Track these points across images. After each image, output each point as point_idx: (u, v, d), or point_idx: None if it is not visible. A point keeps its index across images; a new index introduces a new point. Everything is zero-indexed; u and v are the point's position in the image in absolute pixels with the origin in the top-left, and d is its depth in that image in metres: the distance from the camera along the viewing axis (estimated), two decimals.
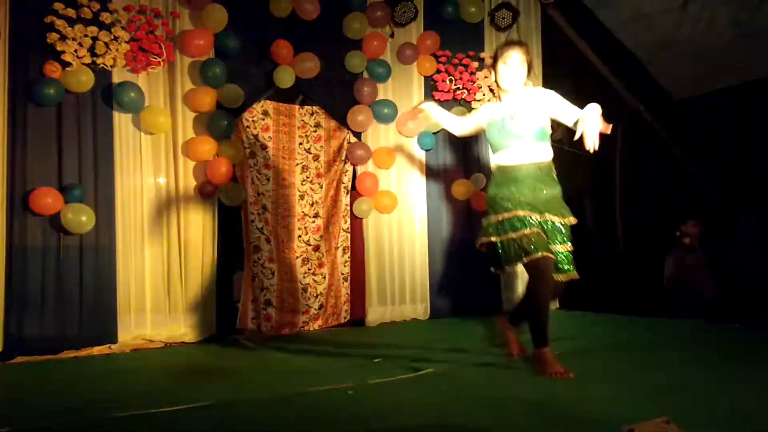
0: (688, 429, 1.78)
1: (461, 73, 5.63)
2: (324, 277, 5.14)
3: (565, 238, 3.24)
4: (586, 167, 7.30)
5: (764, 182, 5.89)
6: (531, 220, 3.16)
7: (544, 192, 3.26)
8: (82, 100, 4.30)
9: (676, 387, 2.80)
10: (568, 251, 3.25)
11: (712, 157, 6.52)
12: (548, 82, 6.28)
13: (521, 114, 3.26)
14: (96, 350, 4.23)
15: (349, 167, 5.35)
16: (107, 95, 4.38)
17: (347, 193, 5.34)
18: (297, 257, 5.06)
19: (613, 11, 5.85)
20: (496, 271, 3.39)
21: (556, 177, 3.38)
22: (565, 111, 3.21)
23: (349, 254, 5.31)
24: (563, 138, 7.25)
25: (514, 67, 3.26)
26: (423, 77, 5.60)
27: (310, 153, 5.21)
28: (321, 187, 5.23)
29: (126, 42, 4.34)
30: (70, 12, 4.14)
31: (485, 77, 5.70)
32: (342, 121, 5.26)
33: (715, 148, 6.39)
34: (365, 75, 5.31)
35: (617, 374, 3.13)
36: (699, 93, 6.21)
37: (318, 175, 5.23)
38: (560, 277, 3.24)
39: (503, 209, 3.22)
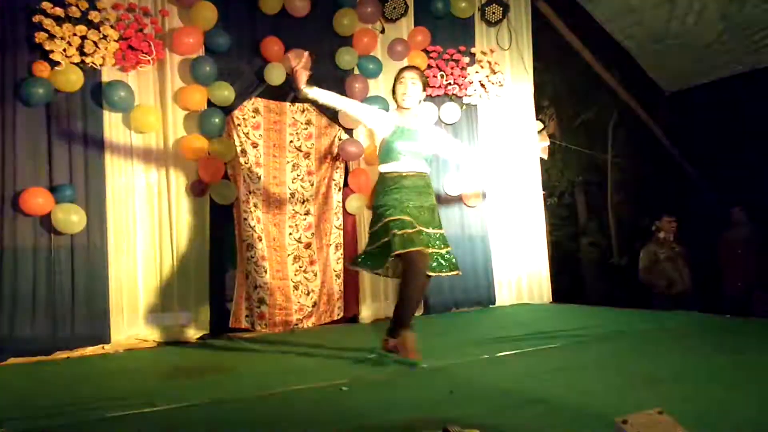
0: (681, 420, 1.79)
1: (452, 68, 5.63)
2: (316, 275, 5.13)
3: (441, 243, 3.52)
4: (578, 161, 7.35)
5: (754, 173, 5.92)
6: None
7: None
8: (72, 99, 4.27)
9: (669, 378, 2.81)
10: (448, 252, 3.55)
11: (703, 150, 6.55)
12: (538, 76, 6.30)
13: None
14: (89, 350, 4.21)
15: (340, 164, 5.34)
16: (97, 94, 4.36)
17: (339, 190, 5.33)
18: (288, 255, 5.05)
19: (603, 5, 5.87)
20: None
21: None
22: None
23: (341, 251, 5.30)
24: (555, 132, 7.28)
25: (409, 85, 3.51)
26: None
27: (301, 150, 5.20)
28: (312, 185, 5.22)
29: (115, 41, 4.31)
30: (59, 11, 4.12)
31: (476, 72, 5.70)
32: (333, 118, 5.25)
33: (707, 140, 6.42)
34: (356, 71, 5.29)
35: (610, 366, 3.14)
36: (689, 86, 6.24)
37: (309, 173, 5.22)
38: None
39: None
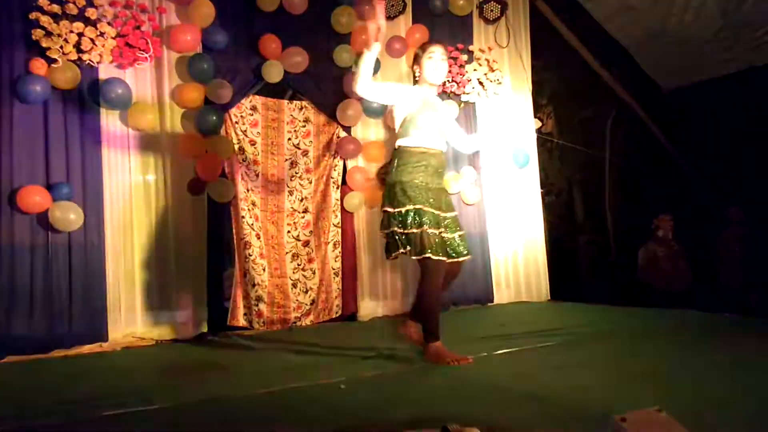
0: (679, 417, 1.79)
1: (450, 66, 5.62)
2: (314, 273, 5.13)
3: (456, 227, 3.44)
4: (576, 159, 7.34)
5: (752, 172, 5.92)
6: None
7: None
8: (69, 97, 4.26)
9: (667, 375, 2.82)
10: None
11: (701, 148, 6.55)
12: (537, 75, 6.29)
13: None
14: (86, 349, 4.20)
15: (338, 162, 5.33)
16: (94, 92, 4.34)
17: (337, 188, 5.32)
18: (286, 253, 5.05)
19: (601, 3, 5.86)
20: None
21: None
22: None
23: (339, 249, 5.30)
24: (553, 131, 7.27)
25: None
26: (412, 71, 5.57)
27: (299, 148, 5.19)
28: (310, 183, 5.21)
29: (112, 38, 4.30)
30: (55, 8, 4.11)
31: (474, 70, 5.69)
32: (331, 116, 5.24)
33: (705, 138, 6.42)
34: (354, 69, 5.27)
35: (608, 364, 3.14)
36: (688, 84, 6.24)
37: (307, 171, 5.21)
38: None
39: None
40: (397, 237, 3.28)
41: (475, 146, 4.08)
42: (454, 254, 3.38)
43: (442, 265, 3.26)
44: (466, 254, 3.44)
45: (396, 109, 3.43)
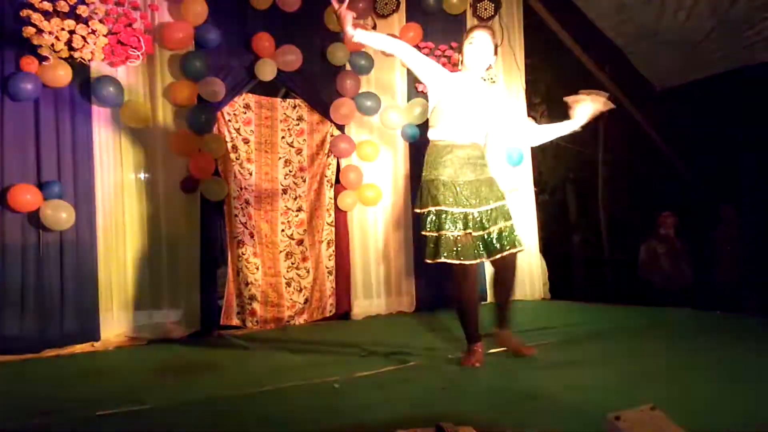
0: (673, 415, 1.79)
1: (444, 65, 5.60)
2: (308, 271, 5.12)
3: (502, 218, 3.29)
4: (570, 158, 7.36)
5: (744, 171, 5.94)
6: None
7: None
8: (60, 94, 4.23)
9: (662, 374, 2.82)
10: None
11: (694, 146, 6.58)
12: (530, 73, 6.29)
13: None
14: (78, 348, 4.17)
15: (332, 160, 5.32)
16: (86, 90, 4.31)
17: (331, 187, 5.31)
18: (280, 251, 5.03)
19: (595, 1, 5.86)
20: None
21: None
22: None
23: (333, 248, 5.29)
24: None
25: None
26: (406, 69, 5.58)
27: (293, 147, 5.17)
28: (304, 181, 5.20)
29: (104, 35, 4.26)
30: (47, 5, 4.06)
31: None
32: (325, 114, 5.22)
33: (697, 137, 6.44)
34: (348, 67, 5.27)
35: (602, 362, 3.15)
36: (681, 83, 6.25)
37: (301, 169, 5.20)
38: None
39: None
40: (427, 240, 3.20)
41: (537, 137, 3.74)
42: (494, 250, 3.22)
43: (467, 268, 3.14)
44: (509, 248, 3.22)
45: (429, 95, 3.32)
